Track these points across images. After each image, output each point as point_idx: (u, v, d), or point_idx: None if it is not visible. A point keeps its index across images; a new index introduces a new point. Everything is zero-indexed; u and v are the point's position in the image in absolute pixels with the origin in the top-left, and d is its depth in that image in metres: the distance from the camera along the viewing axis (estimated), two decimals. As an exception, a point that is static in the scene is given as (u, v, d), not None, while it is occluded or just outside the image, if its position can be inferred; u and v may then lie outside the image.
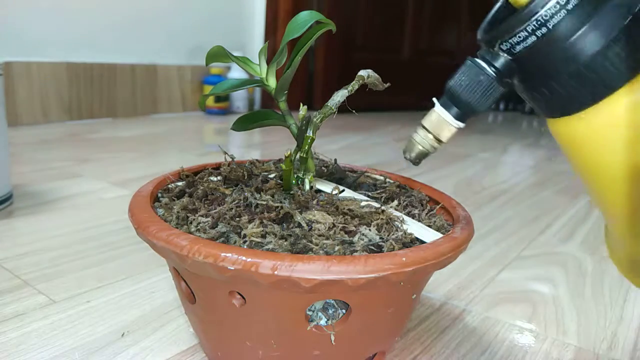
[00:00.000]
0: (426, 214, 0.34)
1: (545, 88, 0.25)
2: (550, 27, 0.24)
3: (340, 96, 0.33)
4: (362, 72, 0.34)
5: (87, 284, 0.45)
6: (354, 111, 0.39)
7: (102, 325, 0.38)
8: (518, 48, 0.25)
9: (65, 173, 0.81)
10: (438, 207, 0.36)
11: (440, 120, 0.29)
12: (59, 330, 0.37)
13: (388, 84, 0.35)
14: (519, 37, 0.25)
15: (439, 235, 0.30)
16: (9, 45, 1.18)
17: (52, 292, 0.43)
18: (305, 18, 0.33)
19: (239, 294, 0.27)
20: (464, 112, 0.28)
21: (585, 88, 0.24)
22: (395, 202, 0.35)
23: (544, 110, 0.27)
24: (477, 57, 0.27)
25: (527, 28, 0.25)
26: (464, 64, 0.28)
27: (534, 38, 0.25)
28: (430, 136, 0.30)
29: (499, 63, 0.26)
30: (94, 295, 0.43)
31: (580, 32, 0.24)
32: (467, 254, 0.57)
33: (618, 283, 0.52)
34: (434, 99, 0.29)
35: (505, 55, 0.26)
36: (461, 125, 0.29)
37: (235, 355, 0.30)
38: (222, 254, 0.24)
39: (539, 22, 0.24)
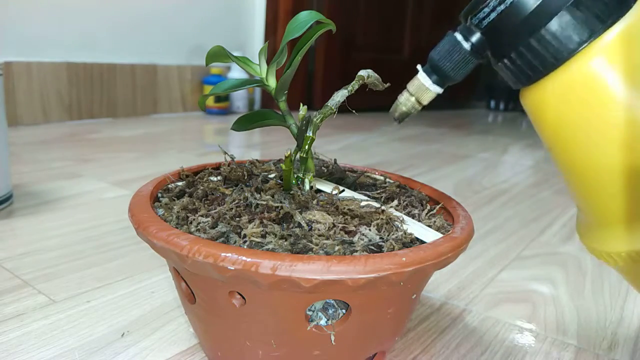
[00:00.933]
0: (426, 214, 0.34)
1: (510, 59, 0.29)
2: (507, 4, 0.27)
3: (340, 96, 0.33)
4: (362, 72, 0.34)
5: (87, 284, 0.45)
6: (354, 111, 0.40)
7: (102, 325, 0.38)
8: (484, 23, 0.28)
9: (65, 173, 0.81)
10: (438, 207, 0.36)
11: (422, 85, 0.32)
12: (59, 330, 0.37)
13: (388, 84, 0.35)
14: (483, 13, 0.28)
15: (439, 235, 0.30)
16: (9, 45, 1.18)
17: (52, 292, 0.43)
18: (305, 18, 0.33)
19: (239, 294, 0.27)
20: (442, 80, 0.31)
21: (542, 57, 0.27)
22: (395, 202, 0.35)
23: (513, 81, 0.30)
24: (456, 31, 0.30)
25: (489, 5, 0.28)
26: (445, 36, 0.31)
27: (494, 14, 0.28)
28: (413, 99, 0.33)
29: (473, 37, 0.30)
30: (94, 295, 0.43)
31: (533, 7, 0.27)
32: (467, 254, 0.57)
33: (618, 283, 0.52)
34: (418, 66, 0.32)
35: (476, 29, 0.29)
36: (439, 91, 0.32)
37: (235, 355, 0.30)
38: (222, 254, 0.24)
39: (497, 1, 0.28)
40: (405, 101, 0.33)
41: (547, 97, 0.28)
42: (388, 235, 0.29)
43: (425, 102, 0.32)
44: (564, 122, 0.28)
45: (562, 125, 0.28)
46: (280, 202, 0.30)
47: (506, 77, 0.30)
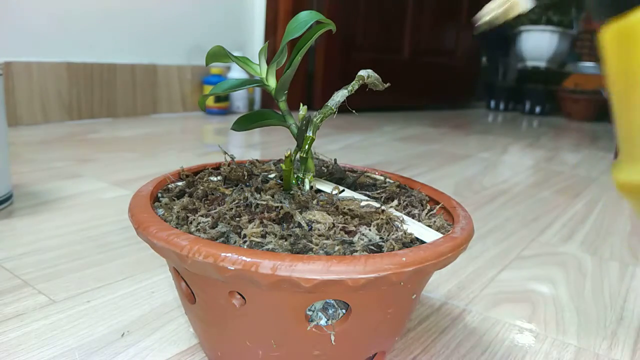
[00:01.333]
0: (426, 214, 0.34)
1: None
2: None
3: (340, 96, 0.33)
4: (362, 72, 0.34)
5: (87, 284, 0.45)
6: (354, 111, 0.40)
7: (102, 325, 0.38)
8: None
9: (65, 173, 0.81)
10: (438, 207, 0.36)
11: None
12: (59, 330, 0.37)
13: (388, 84, 0.35)
14: None
15: (439, 235, 0.30)
16: (9, 45, 1.18)
17: (52, 292, 0.43)
18: (305, 18, 0.33)
19: (239, 294, 0.27)
20: None
21: None
22: (395, 202, 0.35)
23: (609, 8, 0.28)
24: None
25: None
26: None
27: None
28: (502, 9, 0.32)
29: None
30: (94, 295, 0.43)
31: None
32: (467, 254, 0.57)
33: (618, 283, 0.52)
34: None
35: None
36: (531, 5, 0.32)
37: (235, 355, 0.30)
38: (222, 254, 0.24)
39: None
40: (494, 9, 0.33)
41: None
42: (388, 235, 0.29)
43: (513, 14, 0.32)
44: None
45: None
46: (280, 202, 0.30)
47: (599, 4, 0.29)
